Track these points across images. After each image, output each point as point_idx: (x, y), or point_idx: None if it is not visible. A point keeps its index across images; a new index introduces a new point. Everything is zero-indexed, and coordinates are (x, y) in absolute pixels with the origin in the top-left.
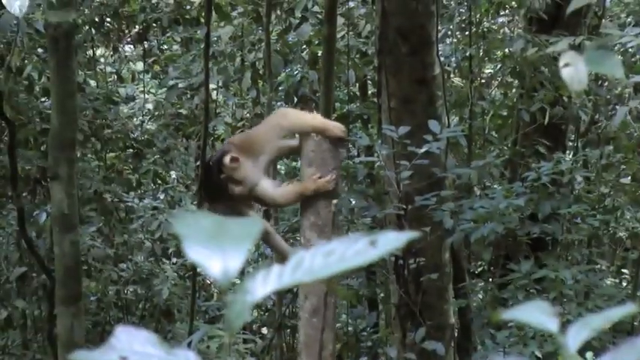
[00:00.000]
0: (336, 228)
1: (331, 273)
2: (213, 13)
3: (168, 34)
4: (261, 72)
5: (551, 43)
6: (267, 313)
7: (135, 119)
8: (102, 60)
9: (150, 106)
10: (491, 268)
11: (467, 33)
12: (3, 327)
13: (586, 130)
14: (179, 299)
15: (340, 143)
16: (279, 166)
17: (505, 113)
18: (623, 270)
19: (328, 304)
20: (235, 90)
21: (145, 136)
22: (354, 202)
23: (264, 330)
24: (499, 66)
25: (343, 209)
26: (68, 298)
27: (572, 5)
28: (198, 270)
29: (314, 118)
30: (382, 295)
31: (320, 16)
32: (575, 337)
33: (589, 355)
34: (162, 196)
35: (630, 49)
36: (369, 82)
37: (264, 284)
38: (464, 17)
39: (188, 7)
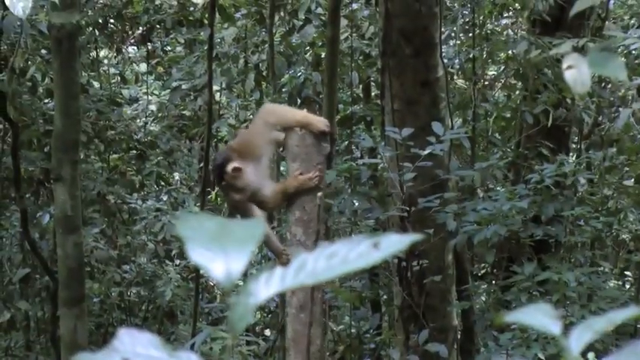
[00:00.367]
0: (321, 222)
1: (334, 275)
2: (217, 14)
3: (171, 36)
4: (264, 73)
5: (554, 45)
6: (270, 315)
7: (138, 121)
8: (105, 61)
9: (153, 107)
10: (494, 270)
11: (470, 35)
12: (6, 328)
13: (589, 132)
14: (182, 301)
15: (324, 138)
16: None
17: (508, 115)
18: (626, 272)
19: (315, 299)
20: (239, 91)
21: (149, 138)
22: (357, 204)
23: (267, 332)
24: (502, 68)
25: (346, 211)
26: (71, 300)
27: (575, 7)
28: (201, 272)
29: (297, 113)
30: (385, 297)
31: (323, 18)
32: (578, 339)
33: (591, 355)
34: (165, 198)
35: (633, 51)
36: (373, 83)
37: (267, 286)
38: (467, 19)
39: (191, 8)
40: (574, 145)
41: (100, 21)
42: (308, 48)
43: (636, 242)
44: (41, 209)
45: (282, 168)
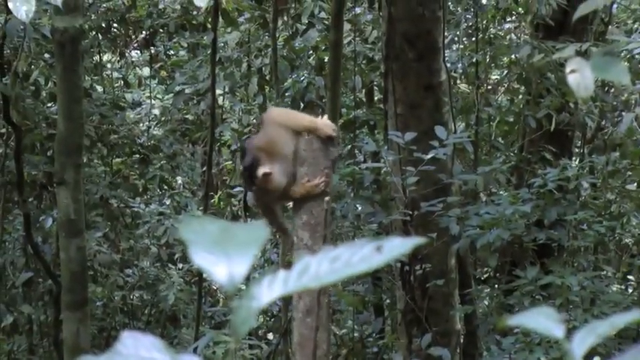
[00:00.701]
0: (328, 227)
1: (337, 279)
2: (220, 18)
3: (174, 40)
4: (267, 78)
5: (557, 50)
6: (273, 319)
7: (141, 125)
8: (108, 65)
9: (156, 111)
10: (497, 274)
11: (473, 39)
12: (9, 332)
13: (592, 136)
14: (185, 305)
15: (331, 142)
16: None
17: (511, 119)
18: (629, 277)
19: (322, 303)
20: (242, 96)
21: (152, 142)
22: (360, 208)
23: (270, 336)
24: (505, 72)
25: (349, 215)
26: (74, 304)
27: (578, 12)
28: (204, 275)
29: (304, 118)
30: (388, 301)
31: (327, 22)
32: (581, 343)
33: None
34: (168, 202)
35: (637, 56)
36: (376, 88)
37: (270, 290)
38: (470, 23)
39: (195, 12)
40: (577, 150)
41: (103, 25)
42: (311, 52)
43: (639, 246)
44: (44, 213)
45: None
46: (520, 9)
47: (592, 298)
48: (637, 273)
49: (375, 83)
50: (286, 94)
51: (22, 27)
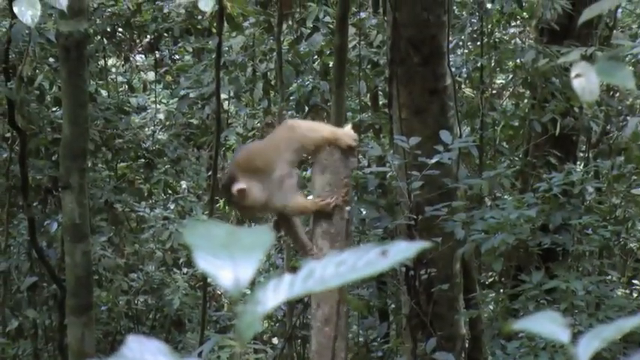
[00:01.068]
0: (350, 237)
1: (342, 283)
2: (225, 23)
3: (179, 44)
4: (272, 82)
5: (562, 54)
6: (277, 324)
7: (146, 129)
8: (113, 70)
9: (161, 116)
10: (502, 278)
11: (478, 43)
12: (14, 336)
13: (597, 140)
14: (190, 309)
15: (351, 152)
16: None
17: (516, 124)
18: (634, 281)
19: (340, 312)
20: (247, 100)
21: (156, 146)
22: (365, 213)
23: (275, 340)
24: (510, 77)
25: (354, 220)
26: (79, 308)
27: (583, 16)
28: (209, 280)
29: (324, 130)
30: (393, 305)
31: (331, 27)
32: (586, 347)
33: None
34: (173, 206)
35: None
36: (381, 92)
37: (275, 294)
38: (475, 28)
39: (200, 17)
40: (582, 154)
41: (108, 29)
42: (316, 56)
43: None
44: (49, 217)
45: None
46: (525, 13)
47: (597, 303)
48: None
49: (380, 87)
50: (291, 98)
51: (27, 31)
